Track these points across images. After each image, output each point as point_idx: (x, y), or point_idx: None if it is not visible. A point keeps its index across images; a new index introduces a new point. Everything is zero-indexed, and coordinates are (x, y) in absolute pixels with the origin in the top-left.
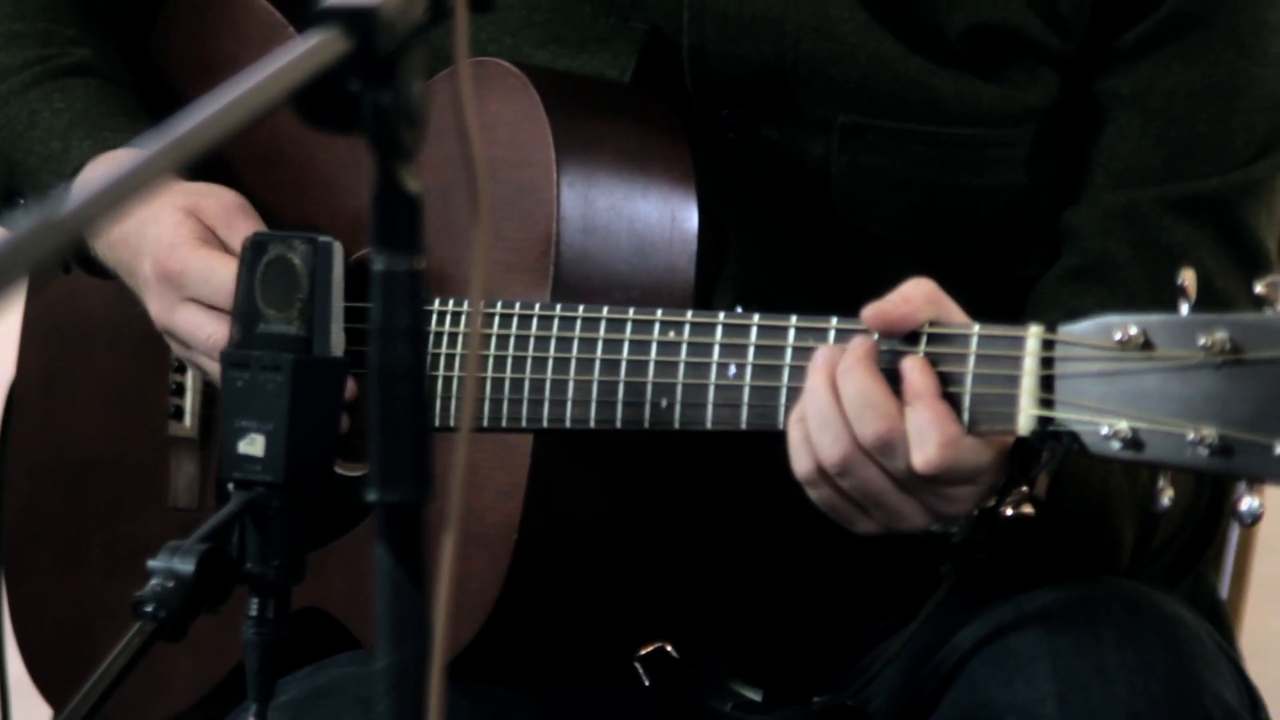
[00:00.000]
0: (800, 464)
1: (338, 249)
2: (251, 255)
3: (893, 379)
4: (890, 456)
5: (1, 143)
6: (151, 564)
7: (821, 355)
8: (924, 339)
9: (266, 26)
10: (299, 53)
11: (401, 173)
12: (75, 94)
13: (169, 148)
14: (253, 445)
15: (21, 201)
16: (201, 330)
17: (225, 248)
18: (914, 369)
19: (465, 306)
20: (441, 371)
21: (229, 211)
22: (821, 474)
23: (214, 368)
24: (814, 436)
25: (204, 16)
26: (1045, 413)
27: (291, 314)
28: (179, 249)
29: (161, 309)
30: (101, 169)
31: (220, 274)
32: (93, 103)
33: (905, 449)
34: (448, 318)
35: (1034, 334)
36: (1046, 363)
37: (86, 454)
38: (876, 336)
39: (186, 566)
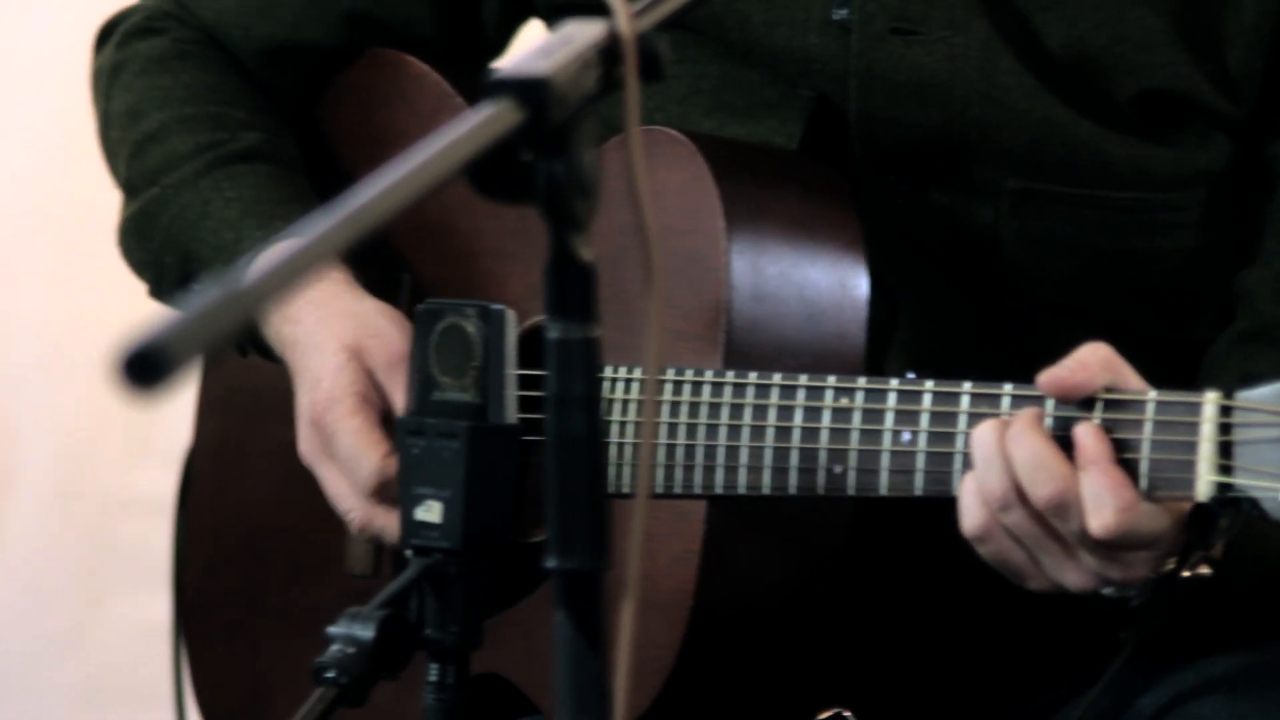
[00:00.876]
0: (970, 520)
1: (511, 317)
2: (426, 323)
3: (1065, 445)
4: (1064, 518)
5: (176, 232)
6: (331, 630)
7: (987, 424)
8: (1100, 405)
9: (436, 97)
10: (472, 124)
11: (575, 242)
12: (246, 182)
13: (347, 220)
14: (430, 512)
15: (198, 289)
16: (342, 502)
17: (383, 394)
18: (1088, 435)
19: (636, 373)
20: (614, 438)
21: (392, 358)
22: (992, 529)
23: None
24: (986, 495)
25: (373, 88)
26: (1225, 479)
27: (466, 381)
28: (335, 407)
29: (310, 451)
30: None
31: (367, 462)
32: (264, 190)
33: (1079, 511)
34: (619, 385)
35: (1211, 400)
36: (1225, 429)
37: (262, 522)
38: (1052, 404)
39: (367, 633)
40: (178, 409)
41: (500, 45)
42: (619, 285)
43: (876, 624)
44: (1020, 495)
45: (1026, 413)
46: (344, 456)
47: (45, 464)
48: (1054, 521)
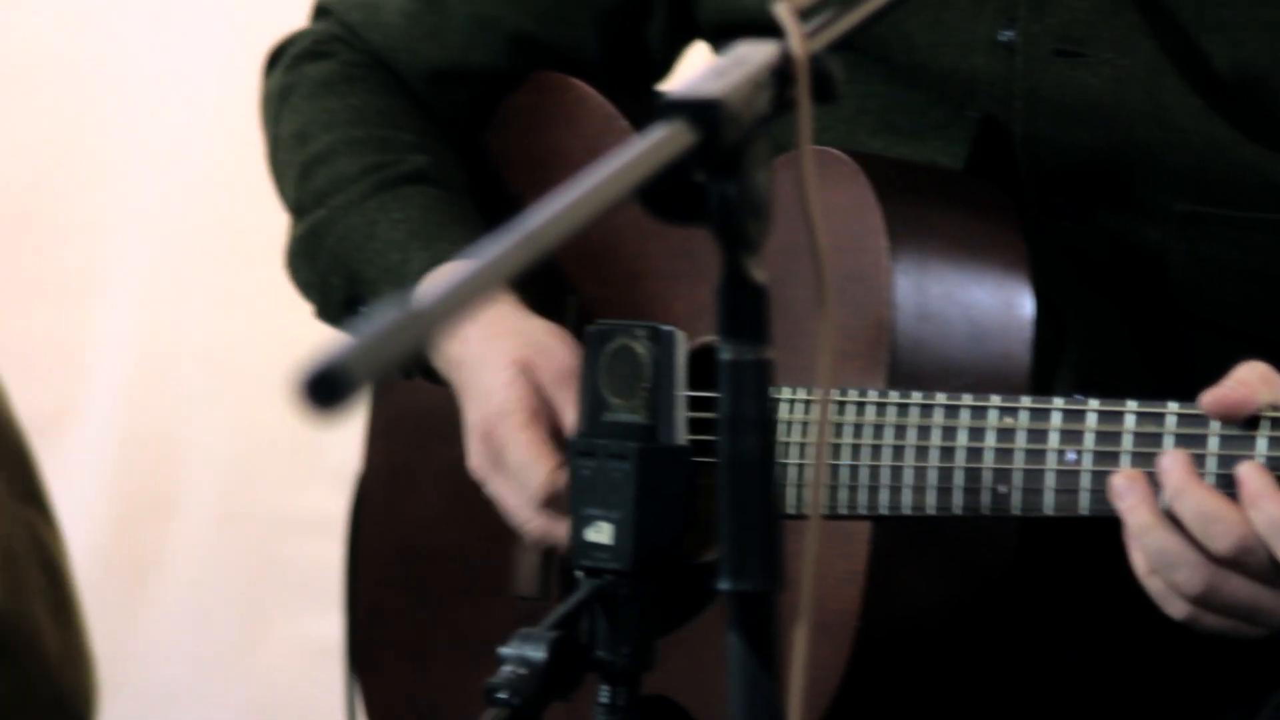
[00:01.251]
0: (1172, 608)
1: (681, 338)
2: (596, 344)
3: (1225, 483)
4: (1250, 557)
5: (342, 253)
6: (503, 651)
7: (1132, 494)
8: (1266, 423)
9: (600, 120)
10: (646, 146)
11: (747, 264)
12: (413, 204)
13: (524, 242)
14: (600, 533)
15: (363, 310)
16: (518, 514)
17: (552, 409)
18: (1251, 473)
19: (800, 393)
20: (779, 458)
21: (561, 374)
22: (1196, 607)
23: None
24: (1171, 576)
25: (538, 111)
26: None
27: (636, 402)
28: (506, 420)
29: (481, 465)
30: (440, 280)
31: (538, 473)
32: (430, 212)
33: (1262, 547)
34: (784, 405)
35: None
36: None
37: (430, 545)
38: (1217, 426)
39: (538, 654)
40: (342, 430)
41: (665, 68)
42: (784, 304)
43: (1045, 646)
44: (1204, 553)
45: (1176, 465)
46: (515, 468)
47: (211, 484)
48: (1244, 567)
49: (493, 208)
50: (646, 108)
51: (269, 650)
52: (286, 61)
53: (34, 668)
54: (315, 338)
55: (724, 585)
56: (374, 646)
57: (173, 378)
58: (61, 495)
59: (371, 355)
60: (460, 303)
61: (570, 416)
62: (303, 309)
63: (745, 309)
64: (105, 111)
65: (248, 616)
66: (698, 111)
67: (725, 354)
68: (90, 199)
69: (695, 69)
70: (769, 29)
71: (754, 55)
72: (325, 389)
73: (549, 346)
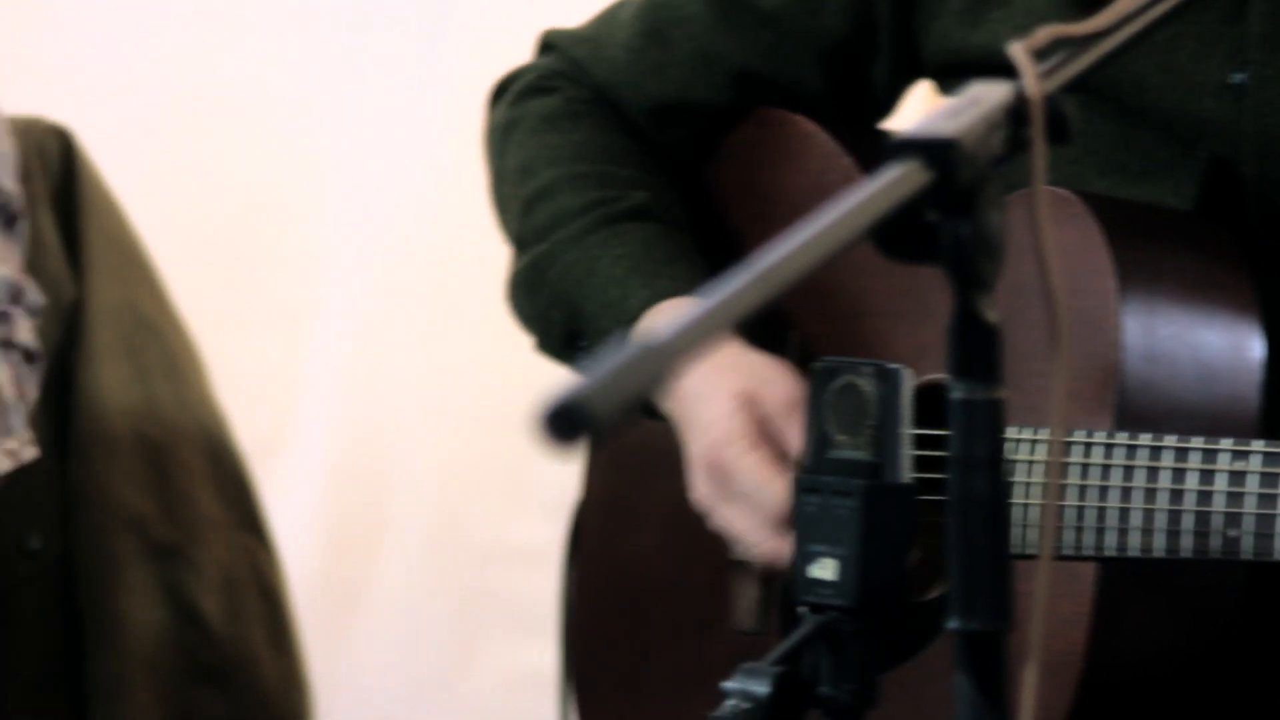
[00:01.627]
0: None
1: (907, 376)
2: (822, 381)
3: None
4: None
5: (564, 287)
6: (726, 685)
7: None
8: None
9: (823, 156)
10: (879, 185)
11: (980, 303)
12: (633, 240)
13: (759, 280)
14: (825, 569)
15: (583, 344)
16: (749, 536)
17: (778, 439)
18: None
19: (1026, 433)
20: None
21: (786, 406)
22: None
23: (755, 560)
24: None
25: (760, 146)
26: None
27: (861, 440)
28: (731, 447)
29: (706, 495)
30: (660, 317)
31: (773, 491)
32: (650, 249)
33: None
34: (1011, 444)
35: None
36: None
37: (648, 577)
38: None
39: (761, 688)
40: (552, 461)
41: (888, 105)
42: (1010, 344)
43: (1271, 696)
44: None
45: None
46: (747, 491)
47: (422, 513)
48: None
49: (713, 242)
50: (870, 144)
51: (479, 678)
52: (511, 96)
53: (252, 694)
54: (524, 368)
55: (953, 624)
56: (591, 677)
57: (384, 406)
58: (274, 523)
59: (609, 390)
60: (697, 339)
61: (795, 446)
62: (513, 339)
63: (977, 348)
64: (320, 142)
65: (458, 644)
66: (933, 151)
67: (957, 393)
68: (304, 229)
69: (918, 107)
70: (996, 69)
71: (988, 95)
72: (565, 422)
73: (772, 379)
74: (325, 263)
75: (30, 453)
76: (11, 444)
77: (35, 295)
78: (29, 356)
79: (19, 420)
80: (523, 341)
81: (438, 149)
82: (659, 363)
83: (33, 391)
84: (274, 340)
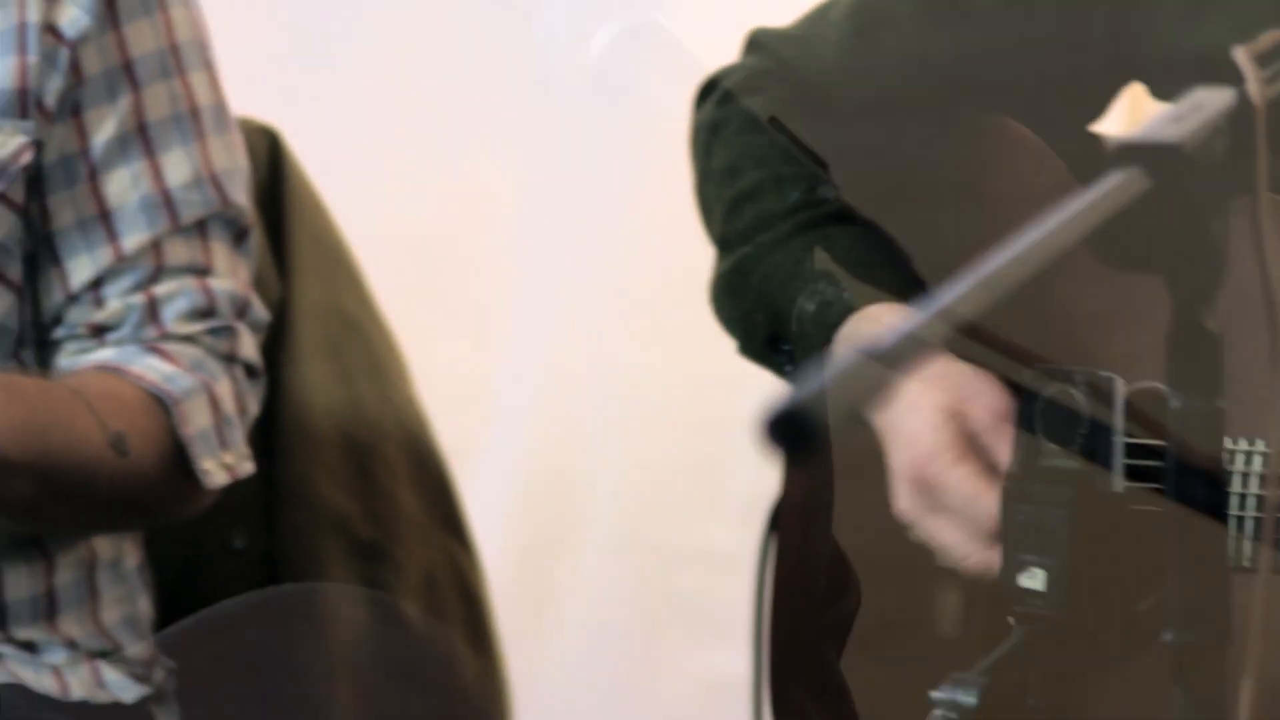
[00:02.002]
0: None
1: (1119, 385)
2: (1033, 389)
3: None
4: None
5: (767, 290)
6: (935, 695)
7: None
8: None
9: (1036, 159)
10: (1101, 190)
11: (1201, 312)
12: (838, 243)
13: (980, 287)
14: (1033, 579)
15: (786, 347)
16: (959, 549)
17: (985, 452)
18: None
19: (1242, 444)
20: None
21: (995, 418)
22: None
23: (964, 572)
24: None
25: (969, 150)
26: None
27: (1073, 448)
28: (939, 459)
29: (911, 508)
30: (865, 323)
31: (984, 503)
32: (856, 252)
33: None
34: (1226, 455)
35: None
36: None
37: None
38: None
39: (970, 699)
40: (742, 464)
41: (1099, 108)
42: (1229, 353)
43: None
44: None
45: None
46: (957, 504)
47: (611, 516)
48: None
49: (918, 246)
50: (1082, 147)
51: (669, 683)
52: (718, 95)
53: (451, 694)
54: (716, 371)
55: (1168, 637)
56: (783, 683)
57: (579, 410)
58: None
59: (835, 398)
60: (921, 347)
61: (1004, 458)
62: (703, 343)
63: (1197, 357)
64: (516, 148)
65: (647, 649)
66: (1156, 157)
67: (1175, 402)
68: (498, 238)
69: (1133, 111)
70: (1213, 71)
71: (1211, 100)
72: (790, 430)
73: (979, 390)
74: (519, 267)
75: (247, 468)
76: (229, 458)
77: (260, 311)
78: (251, 372)
79: (238, 435)
80: (714, 344)
81: (630, 152)
82: (883, 371)
83: (254, 407)
84: (467, 344)
